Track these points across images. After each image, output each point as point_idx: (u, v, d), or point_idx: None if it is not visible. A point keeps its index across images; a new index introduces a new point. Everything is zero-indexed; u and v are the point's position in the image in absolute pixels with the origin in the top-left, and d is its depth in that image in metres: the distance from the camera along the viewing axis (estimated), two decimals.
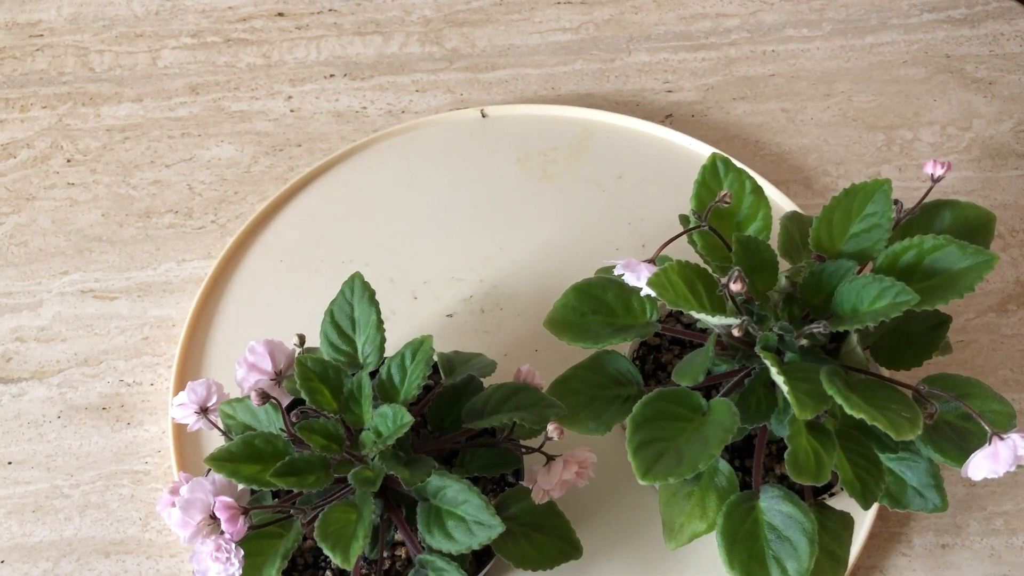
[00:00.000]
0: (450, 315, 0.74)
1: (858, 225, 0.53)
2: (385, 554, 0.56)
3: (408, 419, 0.49)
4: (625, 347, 0.62)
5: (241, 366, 0.56)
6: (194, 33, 0.95)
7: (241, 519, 0.48)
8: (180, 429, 0.68)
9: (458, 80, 0.90)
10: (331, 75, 0.91)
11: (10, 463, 0.69)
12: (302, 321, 0.73)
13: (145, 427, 0.70)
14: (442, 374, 0.59)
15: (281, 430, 0.52)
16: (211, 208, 0.82)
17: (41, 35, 0.95)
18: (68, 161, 0.86)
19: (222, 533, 0.48)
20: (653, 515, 0.55)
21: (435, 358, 0.59)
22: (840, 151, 0.84)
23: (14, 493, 0.68)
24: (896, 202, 0.53)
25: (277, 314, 0.75)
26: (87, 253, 0.80)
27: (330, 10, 0.96)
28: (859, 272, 0.51)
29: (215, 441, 0.63)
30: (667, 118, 0.87)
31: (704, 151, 0.82)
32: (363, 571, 0.55)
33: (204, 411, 0.55)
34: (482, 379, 0.58)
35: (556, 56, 0.92)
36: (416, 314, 0.74)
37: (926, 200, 0.56)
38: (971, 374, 0.71)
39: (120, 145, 0.87)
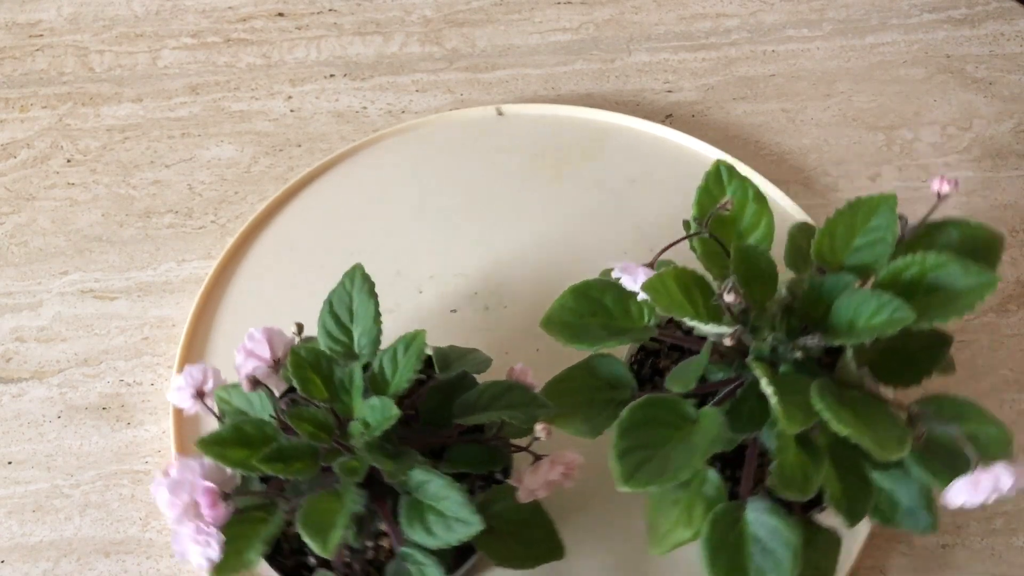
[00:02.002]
0: (454, 310, 0.75)
1: (861, 239, 0.53)
2: (369, 544, 0.56)
3: (395, 412, 0.49)
4: (623, 351, 0.62)
5: (240, 352, 0.56)
6: (194, 33, 0.95)
7: (223, 504, 0.49)
8: (181, 429, 0.68)
9: (458, 80, 0.90)
10: (331, 75, 0.91)
11: (10, 463, 0.69)
12: (302, 321, 0.74)
13: (145, 427, 0.70)
14: (436, 368, 0.59)
15: (272, 417, 0.53)
16: (211, 208, 0.82)
17: (41, 35, 0.95)
18: (68, 161, 0.86)
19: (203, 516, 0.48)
20: (638, 520, 0.55)
21: (430, 352, 0.59)
22: (840, 151, 0.84)
23: (14, 493, 0.68)
24: (901, 217, 0.53)
25: (278, 314, 0.75)
26: (87, 253, 0.80)
27: (330, 10, 0.96)
28: (861, 286, 0.51)
29: None
30: (667, 118, 0.87)
31: (705, 151, 0.82)
32: (346, 559, 0.55)
33: (201, 395, 0.55)
34: (477, 375, 0.58)
35: (556, 56, 0.92)
36: (420, 308, 0.75)
37: (934, 218, 0.55)
38: (971, 374, 0.72)
39: (120, 145, 0.87)
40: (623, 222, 0.79)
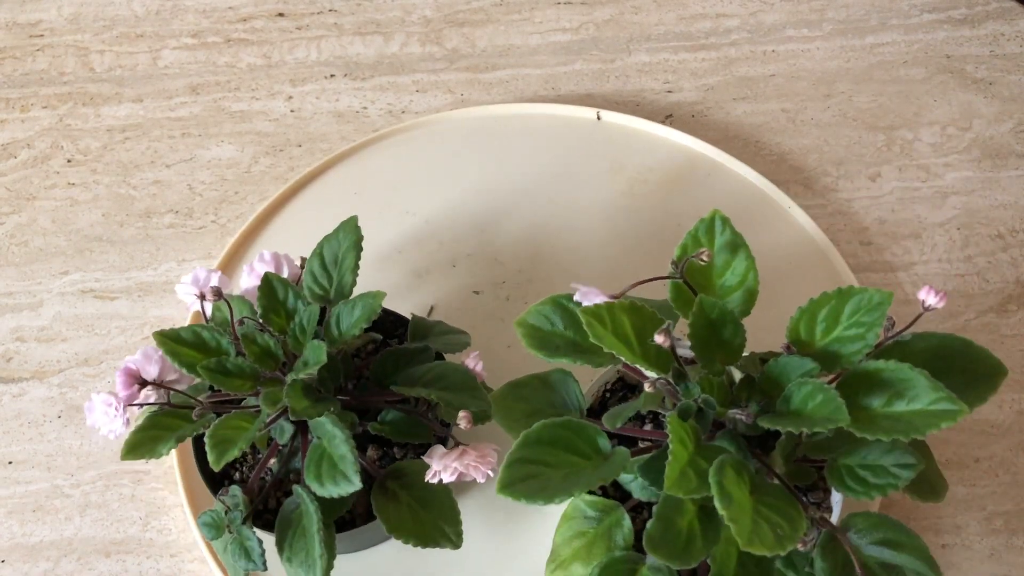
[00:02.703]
0: (477, 292, 0.75)
1: (843, 331, 0.50)
2: (292, 476, 0.58)
3: (323, 358, 0.51)
4: (594, 374, 0.60)
5: (246, 267, 0.59)
6: (194, 33, 0.95)
7: (137, 388, 0.53)
8: None
9: (458, 80, 0.90)
10: (331, 75, 0.91)
11: (11, 463, 0.69)
12: None
13: None
14: (409, 337, 0.61)
15: (229, 332, 0.55)
16: (211, 208, 0.82)
17: (41, 35, 0.95)
18: (68, 161, 0.86)
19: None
20: (545, 540, 0.54)
21: (410, 317, 0.62)
22: (840, 151, 0.84)
23: (14, 493, 0.68)
24: (889, 319, 0.50)
25: None
26: (87, 253, 0.80)
27: (330, 10, 0.96)
28: (833, 381, 0.49)
29: None
30: (667, 118, 0.87)
31: (705, 151, 0.82)
32: (264, 482, 0.57)
33: (203, 297, 0.57)
34: (448, 354, 0.60)
35: (556, 56, 0.92)
36: (447, 280, 0.75)
37: (956, 332, 0.52)
38: None
39: (120, 145, 0.87)
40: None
